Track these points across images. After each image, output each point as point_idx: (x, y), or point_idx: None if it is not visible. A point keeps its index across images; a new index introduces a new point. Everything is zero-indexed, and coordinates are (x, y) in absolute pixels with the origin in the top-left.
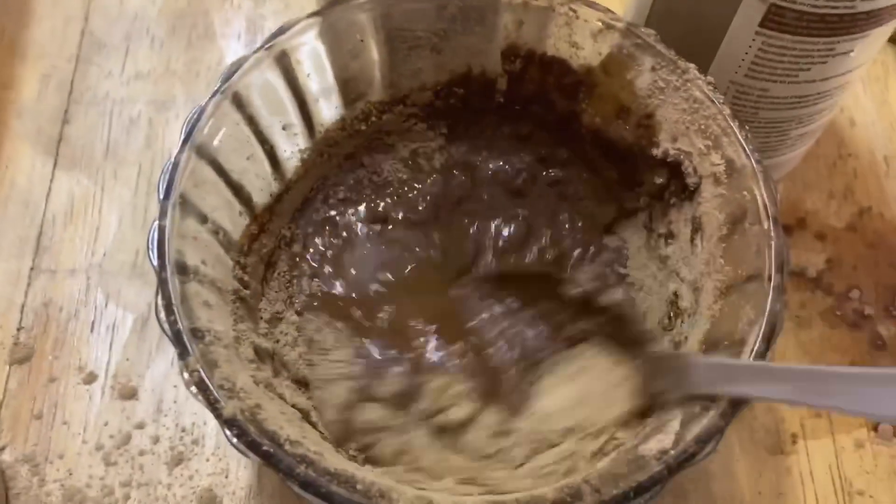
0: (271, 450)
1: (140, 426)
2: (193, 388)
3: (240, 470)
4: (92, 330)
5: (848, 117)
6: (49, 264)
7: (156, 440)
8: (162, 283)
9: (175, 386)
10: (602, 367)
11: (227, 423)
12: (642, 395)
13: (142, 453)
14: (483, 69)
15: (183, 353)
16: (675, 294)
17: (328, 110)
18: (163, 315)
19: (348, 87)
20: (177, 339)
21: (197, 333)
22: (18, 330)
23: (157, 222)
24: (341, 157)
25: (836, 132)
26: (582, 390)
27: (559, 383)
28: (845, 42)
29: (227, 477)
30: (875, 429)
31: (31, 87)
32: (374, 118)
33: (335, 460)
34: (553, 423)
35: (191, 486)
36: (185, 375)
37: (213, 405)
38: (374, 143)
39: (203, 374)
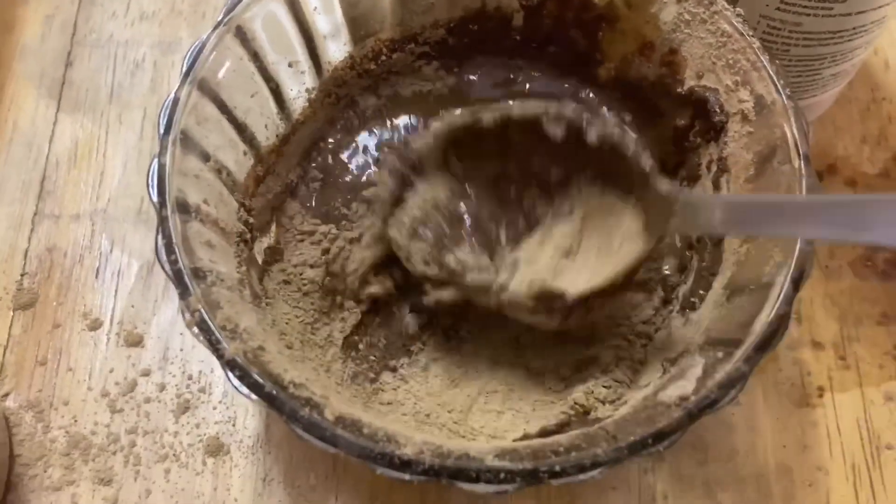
0: (274, 392)
1: (146, 373)
2: (195, 329)
3: (247, 418)
4: (97, 276)
5: (882, 59)
6: (53, 209)
7: (162, 388)
8: (162, 221)
9: (181, 334)
10: (604, 212)
11: (229, 364)
12: (649, 239)
13: (148, 401)
14: (498, 4)
15: (184, 293)
16: (697, 240)
17: (336, 48)
18: (163, 254)
19: (357, 24)
20: (177, 279)
21: (199, 273)
22: (22, 276)
23: (156, 159)
24: (349, 98)
25: (869, 75)
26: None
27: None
28: None
29: (234, 425)
30: None
31: (34, 28)
32: (384, 57)
33: (341, 404)
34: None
35: (197, 434)
36: (187, 315)
37: (214, 346)
38: (383, 83)
39: (205, 314)
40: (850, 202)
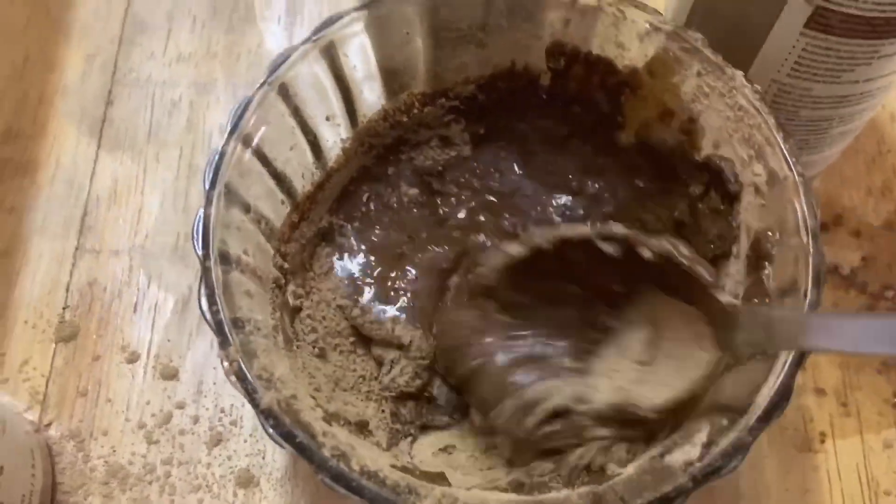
0: (305, 442)
1: (181, 406)
2: (233, 377)
3: (276, 452)
4: (135, 310)
5: (889, 112)
6: (93, 244)
7: (196, 420)
8: (205, 273)
9: (214, 368)
10: (675, 319)
11: (264, 413)
12: (718, 352)
13: (182, 432)
14: (527, 64)
15: (224, 343)
16: None
17: (371, 101)
18: (205, 304)
19: (392, 79)
20: (218, 329)
21: (237, 323)
22: (64, 309)
23: (202, 211)
24: (381, 147)
25: (876, 127)
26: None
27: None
28: (891, 45)
29: (263, 458)
30: None
31: (76, 67)
32: (415, 110)
33: (366, 454)
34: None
35: (229, 466)
36: (225, 364)
37: (250, 395)
38: (413, 135)
39: (242, 364)
40: None
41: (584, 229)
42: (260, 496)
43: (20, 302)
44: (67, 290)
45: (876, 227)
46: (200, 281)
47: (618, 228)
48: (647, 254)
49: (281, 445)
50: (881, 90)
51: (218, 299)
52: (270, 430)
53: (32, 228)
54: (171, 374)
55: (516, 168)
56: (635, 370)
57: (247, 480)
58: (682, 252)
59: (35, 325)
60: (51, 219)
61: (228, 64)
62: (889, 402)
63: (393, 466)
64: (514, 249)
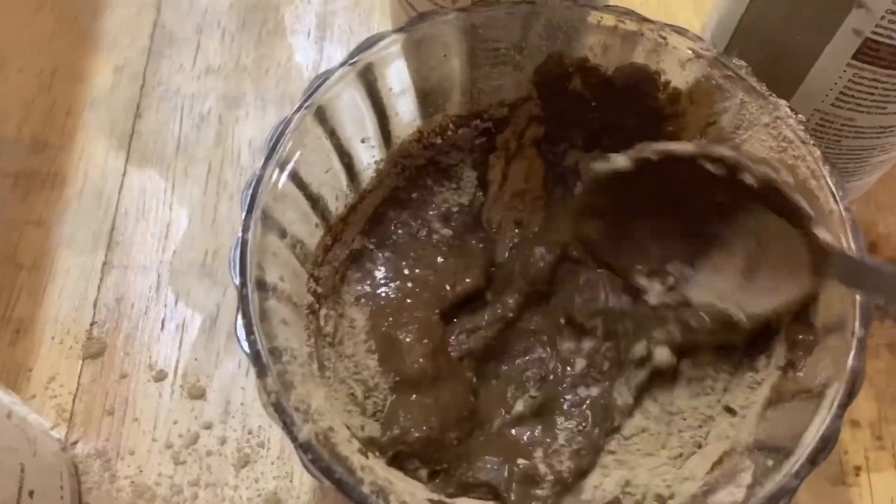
0: (344, 478)
1: (208, 426)
2: (271, 409)
3: (304, 475)
4: (162, 328)
5: None
6: (121, 260)
7: (223, 441)
8: (243, 301)
9: (242, 388)
10: (780, 236)
11: (303, 447)
12: (813, 278)
13: (209, 454)
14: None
15: (261, 373)
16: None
17: (405, 122)
18: (243, 334)
19: (427, 100)
20: (256, 359)
21: (275, 353)
22: (92, 325)
23: (239, 237)
24: (413, 168)
25: None
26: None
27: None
28: None
29: (291, 481)
30: None
31: (105, 78)
32: (450, 132)
33: (404, 488)
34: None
35: (256, 489)
36: (263, 396)
37: (288, 428)
38: (445, 157)
39: (281, 396)
40: None
41: (689, 146)
42: None
43: (47, 317)
44: (95, 305)
45: None
46: (238, 310)
47: (723, 150)
48: (749, 180)
49: (319, 480)
50: None
51: (255, 328)
52: (309, 465)
53: (60, 242)
54: (198, 394)
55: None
56: (737, 279)
57: (274, 503)
58: (784, 181)
59: (62, 341)
60: (79, 233)
61: (258, 77)
62: None
63: (430, 501)
64: (621, 161)
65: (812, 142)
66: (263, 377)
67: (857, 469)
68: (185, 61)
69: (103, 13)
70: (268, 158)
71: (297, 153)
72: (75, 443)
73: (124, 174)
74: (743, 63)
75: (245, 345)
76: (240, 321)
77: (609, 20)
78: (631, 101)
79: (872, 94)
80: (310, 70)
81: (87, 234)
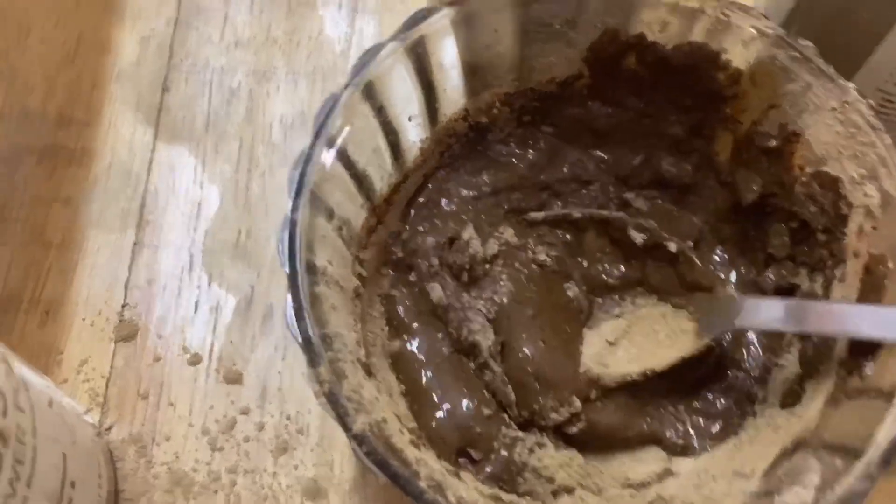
0: (400, 471)
1: (245, 412)
2: (323, 400)
3: (344, 462)
4: (196, 310)
5: None
6: (151, 239)
7: (261, 427)
8: (293, 286)
9: (279, 372)
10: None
11: (357, 438)
12: (699, 341)
13: (247, 440)
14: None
15: (313, 362)
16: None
17: (452, 99)
18: (293, 320)
19: (475, 77)
20: (307, 347)
21: (326, 340)
22: (123, 307)
23: (288, 218)
24: (457, 148)
25: None
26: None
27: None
28: None
29: (331, 469)
30: None
31: (131, 50)
32: (495, 110)
33: (457, 483)
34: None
35: (296, 476)
36: (315, 386)
37: (342, 419)
38: (488, 136)
39: (334, 386)
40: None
41: (620, 214)
42: None
43: (78, 298)
44: (126, 286)
45: None
46: (288, 294)
47: (649, 223)
48: (672, 248)
49: (375, 474)
50: None
51: (306, 314)
52: (364, 458)
53: (89, 221)
54: (234, 378)
55: (591, 167)
56: (602, 346)
57: (315, 492)
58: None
59: (94, 324)
60: (108, 211)
61: (288, 51)
62: None
63: (483, 495)
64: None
65: (883, 128)
66: (316, 366)
67: None
68: (214, 33)
69: None
70: (316, 136)
71: (346, 131)
72: (109, 428)
73: (153, 150)
74: (809, 43)
75: (296, 331)
76: (290, 306)
77: None
78: (688, 81)
79: None
80: (342, 43)
81: (116, 213)
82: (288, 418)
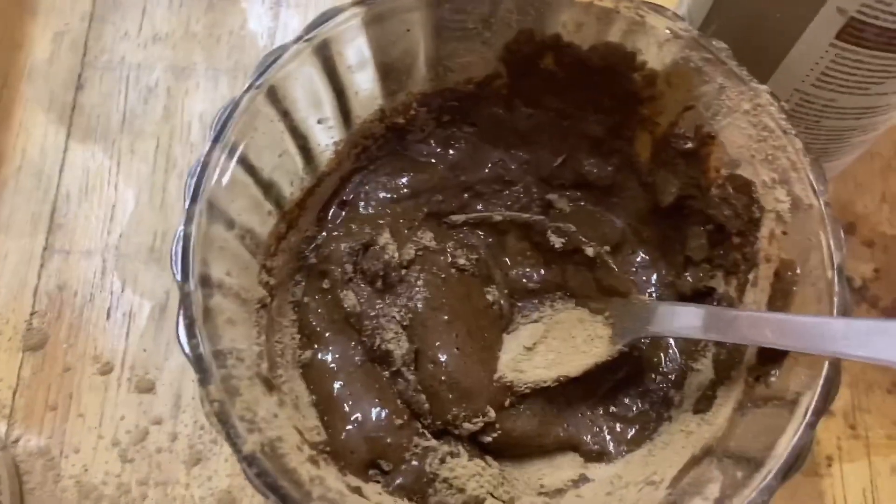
0: (291, 493)
1: (157, 422)
2: (213, 419)
3: None
4: (108, 317)
5: None
6: (63, 244)
7: (174, 437)
8: (184, 299)
9: (193, 381)
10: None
11: (247, 459)
12: (612, 347)
13: (159, 451)
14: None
15: (204, 380)
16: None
17: (366, 101)
18: (184, 337)
19: (390, 78)
20: (198, 364)
21: (219, 356)
22: (32, 314)
23: (181, 230)
24: (374, 149)
25: (893, 129)
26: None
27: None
28: None
29: (245, 478)
30: None
31: (43, 46)
32: (413, 111)
33: (358, 500)
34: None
35: (209, 487)
36: (206, 405)
37: (232, 440)
38: (407, 136)
39: (225, 404)
40: (808, 322)
41: (540, 218)
42: None
43: None
44: (35, 293)
45: (890, 235)
46: (179, 309)
47: (568, 227)
48: (589, 252)
49: (265, 495)
50: None
51: (198, 331)
52: (254, 479)
53: None
54: (147, 388)
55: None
56: (519, 351)
57: (228, 503)
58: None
59: (1, 332)
60: (17, 215)
61: (208, 46)
62: None
63: None
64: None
65: (794, 132)
66: (206, 384)
67: (830, 459)
68: (131, 28)
69: None
70: (213, 143)
71: (247, 137)
72: (17, 441)
73: (65, 151)
74: (724, 45)
75: (187, 348)
76: (181, 322)
77: None
78: (606, 81)
79: (855, 75)
80: (265, 39)
81: (25, 217)
82: (202, 428)
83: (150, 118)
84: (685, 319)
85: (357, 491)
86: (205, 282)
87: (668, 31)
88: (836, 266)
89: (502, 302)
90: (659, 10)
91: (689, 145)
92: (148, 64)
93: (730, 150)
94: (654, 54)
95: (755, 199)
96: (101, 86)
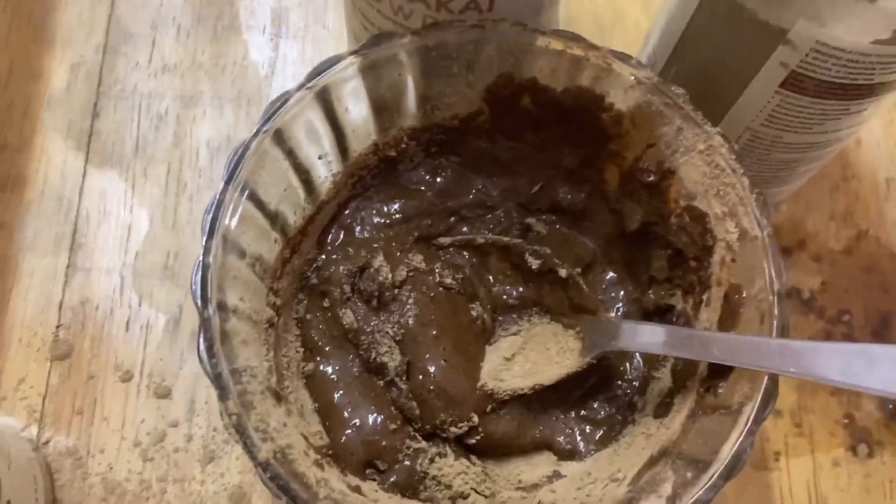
0: (300, 494)
1: (174, 424)
2: (232, 430)
3: None
4: (127, 329)
5: (855, 137)
6: (84, 262)
7: (189, 438)
8: (205, 325)
9: (206, 387)
10: (551, 334)
11: (262, 466)
12: (582, 359)
13: (176, 450)
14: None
15: (223, 396)
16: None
17: (362, 137)
18: (205, 357)
19: (383, 116)
20: (217, 382)
21: (235, 374)
22: (58, 327)
23: (200, 262)
24: (368, 178)
25: (842, 154)
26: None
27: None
28: (860, 104)
29: (255, 476)
30: (852, 449)
31: (61, 76)
32: (403, 144)
33: (358, 501)
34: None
35: (222, 483)
36: (225, 418)
37: (249, 449)
38: (399, 166)
39: (242, 417)
40: (749, 342)
41: (518, 241)
42: None
43: (14, 320)
44: (60, 308)
45: (836, 251)
46: (200, 331)
47: (543, 250)
48: (562, 273)
49: (277, 496)
50: (849, 135)
51: (217, 352)
52: (268, 483)
53: (23, 245)
54: (164, 393)
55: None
56: (500, 362)
57: (239, 497)
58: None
59: (30, 344)
60: (41, 236)
61: (214, 75)
62: (840, 422)
63: None
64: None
65: (742, 171)
66: (225, 400)
67: (777, 454)
68: (142, 58)
69: (56, 8)
70: (226, 184)
71: (256, 175)
72: (47, 442)
73: (84, 175)
74: (682, 91)
75: (207, 367)
76: (202, 344)
77: (557, 45)
78: (578, 119)
79: (798, 116)
80: (265, 68)
81: (49, 237)
82: (215, 430)
83: (160, 144)
84: (646, 336)
85: (357, 490)
86: (221, 307)
87: (632, 78)
88: (776, 291)
89: (485, 317)
90: (624, 58)
91: (652, 178)
92: (158, 93)
93: (687, 184)
94: (621, 97)
95: (708, 229)
96: (116, 114)
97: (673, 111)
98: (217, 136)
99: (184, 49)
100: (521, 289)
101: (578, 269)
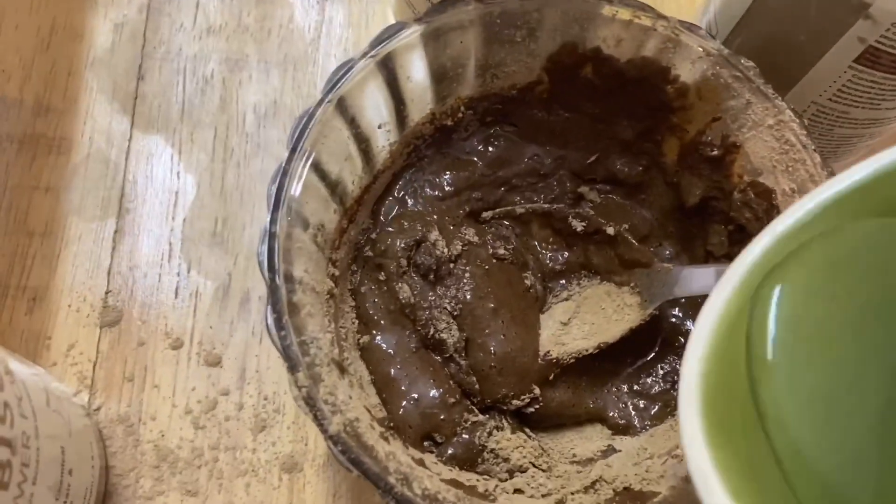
0: (372, 467)
1: (225, 393)
2: (302, 403)
3: (318, 439)
4: (176, 296)
5: None
6: (132, 228)
7: (240, 407)
8: (273, 296)
9: (256, 356)
10: (604, 294)
11: (333, 439)
12: (644, 311)
13: (227, 419)
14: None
15: (293, 368)
16: None
17: (420, 106)
18: (274, 329)
19: (442, 86)
20: (287, 354)
21: (303, 346)
22: (107, 293)
23: (267, 231)
24: (423, 148)
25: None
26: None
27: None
28: None
29: (306, 444)
30: None
31: (104, 37)
32: (460, 114)
33: (423, 473)
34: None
35: (274, 452)
36: (295, 391)
37: (319, 422)
38: (453, 135)
39: (312, 390)
40: None
41: (560, 206)
42: (304, 481)
43: (62, 285)
44: (109, 273)
45: None
46: (268, 304)
47: (586, 212)
48: (610, 231)
49: (349, 470)
50: None
51: (286, 324)
52: (339, 456)
53: (70, 209)
54: (214, 362)
55: (548, 162)
56: (557, 327)
57: (291, 466)
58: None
59: (79, 310)
60: (88, 199)
61: (260, 39)
62: None
63: (445, 481)
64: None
65: (813, 147)
66: (295, 372)
67: None
68: (186, 20)
69: None
70: (291, 153)
71: (319, 145)
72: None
73: (130, 139)
74: (751, 64)
75: (276, 340)
76: (270, 316)
77: (624, 14)
78: (640, 91)
79: (868, 92)
80: (311, 31)
81: (96, 201)
82: (265, 399)
83: (207, 108)
84: (706, 279)
85: (420, 463)
86: (288, 279)
87: (700, 49)
88: None
89: (538, 286)
90: (693, 28)
91: (715, 152)
92: (203, 55)
93: (753, 159)
94: (687, 69)
95: (775, 205)
96: (161, 76)
97: (742, 84)
98: (264, 101)
99: (228, 11)
100: (566, 254)
101: (625, 225)
